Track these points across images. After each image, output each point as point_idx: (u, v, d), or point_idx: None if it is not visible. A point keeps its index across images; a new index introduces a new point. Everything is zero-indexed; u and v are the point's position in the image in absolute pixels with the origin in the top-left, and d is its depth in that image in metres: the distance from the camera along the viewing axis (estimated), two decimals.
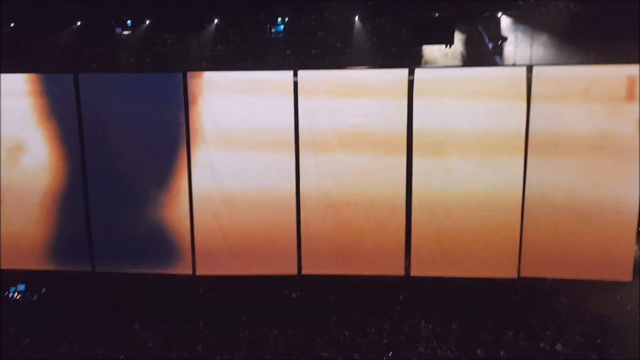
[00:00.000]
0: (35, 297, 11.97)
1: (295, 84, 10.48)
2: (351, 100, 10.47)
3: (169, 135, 10.87)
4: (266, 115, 10.58)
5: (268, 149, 10.71)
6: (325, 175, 10.75)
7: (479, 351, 10.33)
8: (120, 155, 11.04)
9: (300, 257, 11.16)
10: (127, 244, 11.23)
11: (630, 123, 10.05)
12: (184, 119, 10.73)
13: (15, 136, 11.18)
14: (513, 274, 10.85)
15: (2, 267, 11.63)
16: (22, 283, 12.10)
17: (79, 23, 11.43)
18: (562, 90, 10.16)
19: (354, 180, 10.72)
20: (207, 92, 10.64)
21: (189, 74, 10.57)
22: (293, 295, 11.84)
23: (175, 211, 11.16)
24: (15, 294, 12.04)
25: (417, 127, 10.47)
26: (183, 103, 10.67)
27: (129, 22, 11.45)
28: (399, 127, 10.47)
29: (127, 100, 10.78)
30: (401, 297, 11.67)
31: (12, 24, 11.30)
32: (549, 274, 11.02)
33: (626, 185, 10.22)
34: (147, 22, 11.42)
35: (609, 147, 10.14)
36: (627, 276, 10.49)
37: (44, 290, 12.06)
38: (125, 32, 11.49)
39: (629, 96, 10.02)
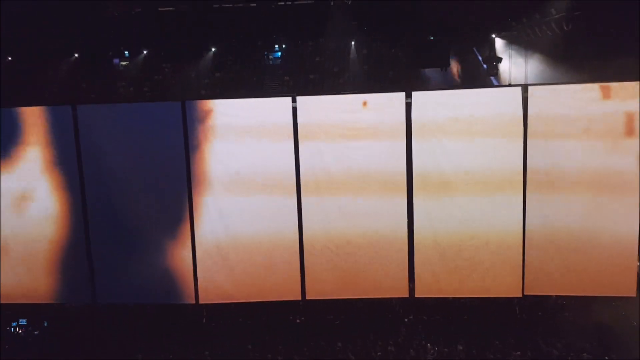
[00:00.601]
0: (37, 332, 11.81)
1: (295, 113, 10.57)
2: (352, 143, 10.60)
3: (173, 180, 10.95)
4: (269, 158, 10.69)
5: (272, 193, 10.83)
6: (329, 216, 10.85)
7: None
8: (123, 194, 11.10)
9: (304, 282, 11.11)
10: (129, 277, 11.17)
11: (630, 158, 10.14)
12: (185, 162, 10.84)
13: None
14: (518, 293, 10.85)
15: (3, 302, 11.50)
16: (23, 318, 11.95)
17: (76, 55, 11.44)
18: (560, 127, 10.28)
19: (357, 220, 10.84)
20: (212, 138, 10.75)
21: (193, 116, 10.67)
22: (297, 320, 11.77)
23: (179, 255, 11.21)
24: (17, 328, 11.89)
25: (417, 168, 10.63)
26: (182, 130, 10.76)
27: (126, 52, 11.49)
28: (399, 168, 10.61)
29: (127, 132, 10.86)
30: (406, 320, 11.63)
31: (9, 58, 11.30)
32: (554, 292, 11.03)
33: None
34: (145, 52, 11.45)
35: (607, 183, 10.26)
36: (631, 292, 10.51)
37: (45, 324, 11.92)
38: (123, 63, 11.52)
39: (628, 132, 10.16)
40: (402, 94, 10.59)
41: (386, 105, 10.52)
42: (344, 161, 10.66)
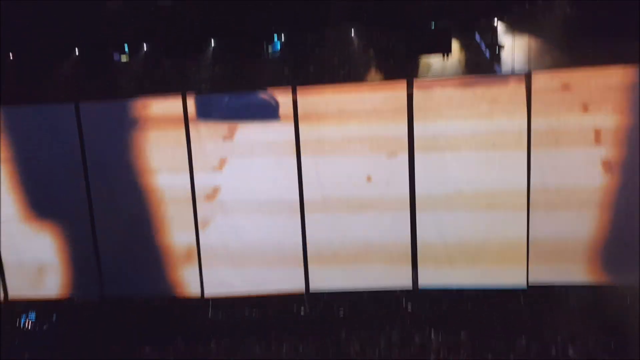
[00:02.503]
0: (45, 326, 12.01)
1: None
2: (355, 215, 10.93)
3: None
4: (275, 233, 11.11)
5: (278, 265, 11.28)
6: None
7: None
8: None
9: (308, 274, 11.19)
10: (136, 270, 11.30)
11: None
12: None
13: None
14: (522, 282, 10.82)
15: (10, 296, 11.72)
16: (32, 311, 12.15)
17: (76, 51, 11.44)
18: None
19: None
20: (218, 214, 11.16)
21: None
22: (302, 312, 11.85)
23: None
24: (26, 322, 12.09)
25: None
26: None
27: (125, 47, 11.45)
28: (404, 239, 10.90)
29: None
30: (410, 310, 11.67)
31: (10, 56, 11.33)
32: (558, 281, 10.99)
33: None
34: (144, 46, 11.43)
35: None
36: (636, 280, 10.42)
37: (54, 317, 12.11)
38: (124, 58, 11.50)
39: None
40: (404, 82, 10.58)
41: None
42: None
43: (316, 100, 10.93)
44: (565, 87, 10.36)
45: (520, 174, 10.54)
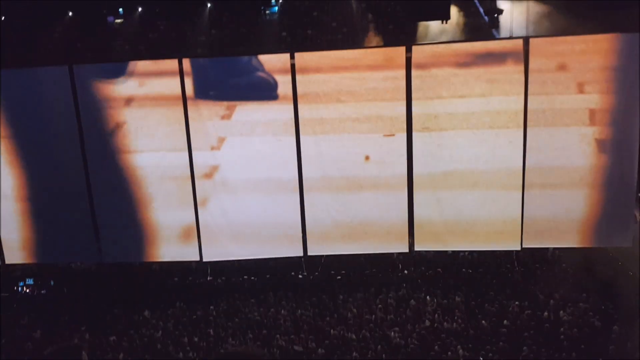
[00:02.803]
0: (43, 291, 12.04)
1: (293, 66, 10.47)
2: (352, 195, 10.88)
3: None
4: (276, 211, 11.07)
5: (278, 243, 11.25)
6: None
7: (484, 322, 10.53)
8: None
9: (306, 238, 11.25)
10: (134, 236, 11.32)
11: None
12: None
13: None
14: (516, 245, 10.99)
15: (7, 262, 11.68)
16: (30, 277, 12.16)
17: (70, 14, 11.22)
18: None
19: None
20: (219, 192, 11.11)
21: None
22: (300, 276, 11.98)
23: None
24: (24, 287, 12.11)
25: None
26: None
27: (120, 10, 11.27)
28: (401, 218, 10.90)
29: None
30: (406, 272, 11.84)
31: (2, 17, 11.09)
32: (552, 244, 11.17)
33: None
34: (139, 9, 11.23)
35: None
36: (627, 242, 10.63)
37: (52, 283, 12.13)
38: (118, 21, 11.31)
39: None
40: (402, 48, 10.51)
41: None
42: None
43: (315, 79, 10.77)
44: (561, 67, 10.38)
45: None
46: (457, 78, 10.42)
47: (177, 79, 10.63)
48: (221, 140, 10.95)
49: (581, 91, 10.32)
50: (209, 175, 11.14)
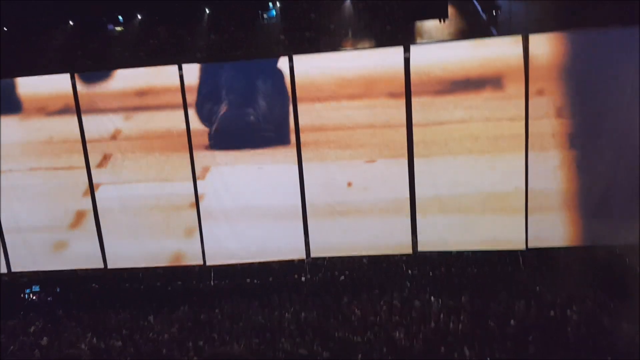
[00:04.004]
0: (50, 298, 12.13)
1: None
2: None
3: None
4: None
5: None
6: None
7: (490, 322, 10.41)
8: None
9: (308, 240, 11.26)
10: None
11: None
12: None
13: None
14: (521, 246, 10.88)
15: (13, 270, 11.80)
16: (36, 284, 12.26)
17: (70, 22, 11.35)
18: None
19: None
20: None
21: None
22: (303, 278, 11.95)
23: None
24: (31, 295, 12.21)
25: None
26: None
27: (120, 17, 11.37)
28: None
29: None
30: (410, 273, 11.76)
31: (4, 28, 11.24)
32: (557, 243, 11.05)
33: None
34: (139, 16, 11.33)
35: None
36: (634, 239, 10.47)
37: (58, 289, 12.22)
38: (118, 28, 11.42)
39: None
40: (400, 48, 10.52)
41: None
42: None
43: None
44: None
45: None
46: (435, 106, 10.57)
47: None
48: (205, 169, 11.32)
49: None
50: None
